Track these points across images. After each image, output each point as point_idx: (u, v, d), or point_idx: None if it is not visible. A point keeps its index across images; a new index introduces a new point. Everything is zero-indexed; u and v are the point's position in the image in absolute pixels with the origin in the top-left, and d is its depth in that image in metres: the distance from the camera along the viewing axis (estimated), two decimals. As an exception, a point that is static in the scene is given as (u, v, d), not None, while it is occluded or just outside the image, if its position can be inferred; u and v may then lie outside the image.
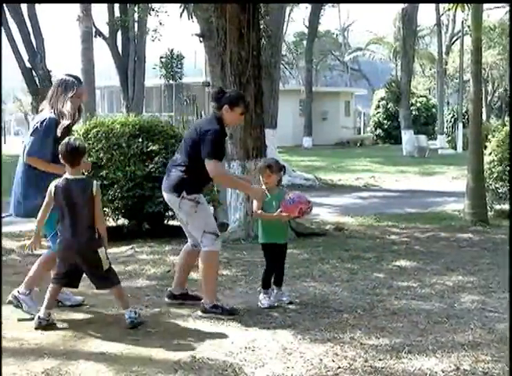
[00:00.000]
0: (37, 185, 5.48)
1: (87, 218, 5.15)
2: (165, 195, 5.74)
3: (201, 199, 5.64)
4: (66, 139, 5.21)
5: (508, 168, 10.91)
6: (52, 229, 5.52)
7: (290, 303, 5.93)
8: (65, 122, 5.51)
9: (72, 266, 5.25)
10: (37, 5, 28.05)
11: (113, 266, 5.45)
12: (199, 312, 5.64)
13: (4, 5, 27.07)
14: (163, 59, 35.68)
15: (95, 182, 5.23)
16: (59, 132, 5.46)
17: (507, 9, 23.89)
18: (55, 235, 5.48)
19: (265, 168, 5.90)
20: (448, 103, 47.68)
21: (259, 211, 5.85)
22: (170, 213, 9.44)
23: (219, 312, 5.57)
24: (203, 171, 5.51)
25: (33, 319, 5.33)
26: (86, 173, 5.85)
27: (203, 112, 18.62)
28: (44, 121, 5.52)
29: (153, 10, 21.97)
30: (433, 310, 5.71)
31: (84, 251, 5.19)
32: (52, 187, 5.17)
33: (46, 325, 5.25)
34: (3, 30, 28.12)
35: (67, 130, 5.58)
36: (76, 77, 5.74)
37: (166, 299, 6.00)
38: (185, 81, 35.96)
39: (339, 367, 4.42)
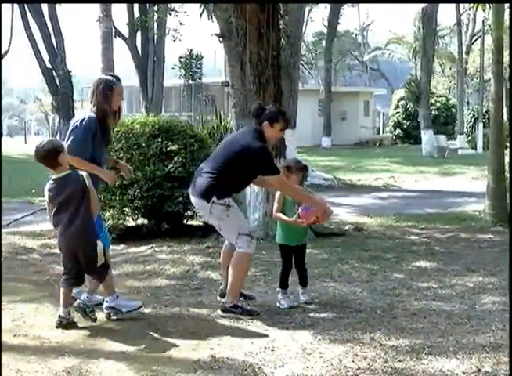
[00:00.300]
0: None
1: (84, 210, 5.18)
2: (194, 199, 5.78)
3: (231, 202, 5.66)
4: (36, 145, 5.22)
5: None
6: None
7: (309, 303, 5.92)
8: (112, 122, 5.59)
9: (75, 262, 5.28)
10: (57, 6, 28.24)
11: (132, 265, 5.48)
12: (219, 312, 5.65)
13: (25, 5, 27.30)
14: (182, 60, 35.76)
15: (82, 173, 5.23)
16: (98, 133, 5.47)
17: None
18: (98, 226, 5.52)
19: (283, 169, 5.94)
20: (468, 102, 47.37)
21: (278, 214, 5.88)
22: (189, 213, 9.48)
23: (239, 313, 5.57)
24: (235, 181, 5.63)
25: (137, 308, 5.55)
26: (125, 176, 5.88)
27: (222, 112, 18.63)
28: (83, 119, 5.48)
29: (173, 10, 22.02)
30: (453, 311, 5.67)
31: (84, 243, 5.23)
32: (46, 192, 5.27)
33: (67, 324, 5.28)
34: (24, 31, 28.35)
35: (107, 130, 5.59)
36: (114, 76, 5.70)
37: (218, 298, 5.99)
38: (204, 81, 36.02)
39: (359, 368, 4.41)
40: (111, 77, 5.64)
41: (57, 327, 5.27)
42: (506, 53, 14.38)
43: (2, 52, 23.04)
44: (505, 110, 22.30)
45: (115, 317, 5.49)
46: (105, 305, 5.55)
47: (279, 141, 9.12)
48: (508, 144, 10.91)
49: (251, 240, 5.65)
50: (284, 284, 5.98)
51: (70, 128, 5.54)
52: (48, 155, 5.14)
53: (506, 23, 12.31)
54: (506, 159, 11.06)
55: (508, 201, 10.72)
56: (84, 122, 5.47)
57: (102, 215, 5.76)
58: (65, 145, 5.41)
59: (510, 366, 4.34)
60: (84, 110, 5.77)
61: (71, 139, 5.48)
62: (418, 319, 5.46)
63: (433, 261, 7.80)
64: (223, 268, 6.02)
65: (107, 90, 5.53)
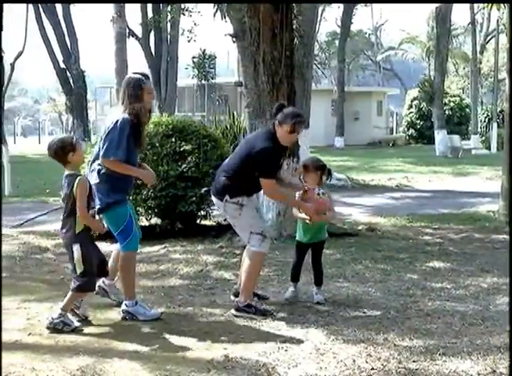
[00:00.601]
0: (112, 184, 5.47)
1: (67, 211, 5.29)
2: (212, 198, 5.93)
3: (245, 201, 5.67)
4: (49, 142, 5.37)
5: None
6: (116, 227, 5.56)
7: (318, 303, 5.92)
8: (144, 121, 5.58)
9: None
10: (71, 7, 28.37)
11: (145, 265, 5.47)
12: (232, 311, 5.66)
13: (39, 6, 27.45)
14: (195, 60, 35.81)
15: (79, 177, 5.27)
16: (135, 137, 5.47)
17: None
18: (120, 233, 5.55)
19: (301, 168, 6.08)
20: (482, 102, 47.14)
21: (294, 210, 6.02)
22: (202, 213, 9.49)
23: (252, 312, 5.58)
24: (250, 181, 5.62)
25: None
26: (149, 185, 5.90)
27: (235, 112, 18.65)
28: (117, 121, 5.42)
29: (187, 11, 22.05)
30: (468, 312, 5.65)
31: (65, 243, 5.40)
32: None
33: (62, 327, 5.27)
34: (38, 31, 28.48)
35: (140, 129, 5.57)
36: (143, 74, 5.66)
37: (232, 297, 6.01)
38: (217, 81, 36.06)
39: (372, 368, 4.41)
40: (140, 76, 5.58)
41: (47, 327, 5.31)
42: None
43: (17, 53, 23.23)
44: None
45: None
46: (123, 307, 5.56)
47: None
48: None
49: (263, 240, 5.65)
50: (293, 277, 6.14)
51: (106, 131, 5.46)
52: (58, 152, 5.27)
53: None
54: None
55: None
56: (118, 124, 5.40)
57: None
58: (101, 148, 5.43)
59: (510, 366, 4.33)
60: (114, 111, 5.69)
61: (107, 142, 5.41)
62: (432, 319, 5.44)
63: (447, 261, 7.77)
64: (241, 268, 6.05)
65: (138, 89, 5.48)
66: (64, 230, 5.33)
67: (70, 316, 5.40)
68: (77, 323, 5.36)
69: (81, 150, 5.40)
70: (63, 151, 5.26)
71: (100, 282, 5.82)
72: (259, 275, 6.05)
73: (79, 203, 5.22)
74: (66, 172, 5.34)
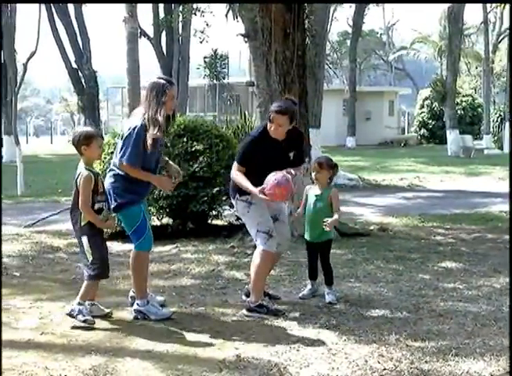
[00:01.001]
0: (126, 185, 5.50)
1: (72, 204, 5.49)
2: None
3: (254, 199, 5.68)
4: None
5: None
6: (129, 226, 5.61)
7: (330, 303, 5.92)
8: (152, 133, 5.37)
9: None
10: (83, 7, 28.46)
11: (157, 265, 5.50)
12: (244, 311, 5.66)
13: (52, 6, 27.54)
14: (207, 60, 35.86)
15: (84, 172, 5.36)
16: (148, 145, 5.37)
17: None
18: (134, 232, 5.58)
19: (315, 165, 6.09)
20: (494, 102, 46.90)
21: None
22: (214, 212, 9.50)
23: (264, 312, 5.58)
24: (255, 177, 5.60)
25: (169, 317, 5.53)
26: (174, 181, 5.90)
27: (246, 112, 18.64)
28: (135, 127, 5.42)
29: (199, 11, 22.05)
30: (480, 313, 5.62)
31: (75, 235, 5.59)
32: None
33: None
34: (50, 31, 28.57)
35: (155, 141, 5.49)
36: (167, 80, 5.60)
37: (243, 297, 6.01)
38: (228, 81, 36.09)
39: (384, 369, 4.39)
40: (164, 81, 5.52)
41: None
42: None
43: (29, 54, 23.34)
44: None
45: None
46: (134, 306, 5.58)
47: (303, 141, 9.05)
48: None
49: (269, 238, 5.65)
50: (309, 275, 6.26)
51: (124, 135, 5.48)
52: (74, 141, 5.49)
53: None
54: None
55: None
56: (134, 131, 5.40)
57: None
58: (118, 153, 5.48)
59: (511, 366, 4.31)
60: (136, 114, 5.67)
61: (124, 147, 5.43)
62: (444, 320, 5.42)
63: (459, 262, 7.74)
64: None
65: (161, 95, 5.42)
66: (73, 223, 5.50)
67: (91, 308, 5.52)
68: (90, 317, 5.43)
69: (95, 146, 5.45)
70: (78, 142, 5.43)
71: (131, 293, 5.87)
72: (268, 274, 6.05)
73: (81, 197, 5.35)
74: (79, 165, 5.47)
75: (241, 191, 5.74)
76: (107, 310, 5.66)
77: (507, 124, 31.11)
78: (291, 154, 5.84)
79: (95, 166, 5.84)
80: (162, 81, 5.52)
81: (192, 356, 4.69)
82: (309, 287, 6.24)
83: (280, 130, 5.71)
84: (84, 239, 5.41)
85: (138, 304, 5.57)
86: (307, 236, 6.18)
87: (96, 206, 5.41)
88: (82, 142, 5.39)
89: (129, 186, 5.49)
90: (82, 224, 5.42)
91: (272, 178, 5.48)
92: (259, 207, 5.72)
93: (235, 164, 5.82)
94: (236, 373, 4.37)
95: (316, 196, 6.07)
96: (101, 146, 5.55)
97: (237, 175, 5.77)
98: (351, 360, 4.55)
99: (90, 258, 5.42)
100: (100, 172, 5.77)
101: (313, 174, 6.14)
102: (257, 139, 5.76)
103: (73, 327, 5.29)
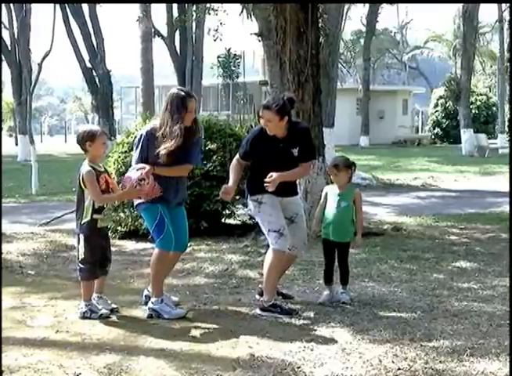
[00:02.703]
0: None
1: (76, 201, 5.58)
2: None
3: (264, 199, 5.69)
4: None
5: None
6: (149, 224, 5.68)
7: (344, 303, 5.90)
8: (168, 146, 5.42)
9: None
10: (98, 7, 28.55)
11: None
12: (257, 311, 5.66)
13: (66, 6, 27.66)
14: (220, 59, 35.88)
15: (85, 169, 5.43)
16: (161, 156, 5.43)
17: None
18: (154, 231, 5.63)
19: (331, 168, 6.04)
20: (509, 101, 46.61)
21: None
22: (227, 211, 9.51)
23: (277, 312, 5.58)
24: (262, 172, 5.60)
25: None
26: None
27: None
28: (140, 135, 5.62)
29: (213, 10, 22.08)
30: (495, 313, 5.59)
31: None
32: None
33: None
34: (65, 31, 28.68)
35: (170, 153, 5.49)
36: (187, 92, 5.59)
37: (257, 296, 5.99)
38: (241, 80, 36.09)
39: (399, 369, 4.38)
40: (184, 94, 5.52)
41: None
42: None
43: (44, 53, 23.46)
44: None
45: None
46: (149, 305, 5.61)
47: (318, 139, 9.06)
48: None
49: (280, 237, 5.64)
50: (325, 279, 6.09)
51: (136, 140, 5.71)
52: (79, 138, 5.57)
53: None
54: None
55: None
56: (139, 138, 5.63)
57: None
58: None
59: (511, 366, 4.29)
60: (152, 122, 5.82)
61: (134, 151, 5.71)
62: (459, 320, 5.40)
63: (473, 261, 7.70)
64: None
65: (181, 108, 5.45)
66: (76, 218, 5.60)
67: (98, 302, 5.63)
68: (104, 311, 5.55)
69: (99, 144, 5.52)
70: (82, 138, 5.51)
71: (145, 291, 5.93)
72: (281, 274, 6.04)
73: (90, 192, 5.42)
74: (84, 163, 5.53)
75: (252, 191, 5.75)
76: (114, 305, 5.71)
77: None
78: (295, 150, 5.76)
79: (108, 165, 5.89)
80: (182, 94, 5.52)
81: (206, 354, 4.69)
82: (327, 292, 6.04)
83: (270, 125, 5.66)
84: (81, 237, 5.52)
85: (152, 302, 5.59)
86: (328, 236, 6.04)
87: (97, 204, 5.48)
88: (86, 138, 5.47)
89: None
90: (82, 222, 5.51)
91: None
92: (269, 207, 5.72)
93: (236, 156, 5.92)
94: (250, 372, 4.37)
95: (340, 195, 5.97)
96: (105, 143, 5.60)
97: (232, 167, 5.86)
98: (365, 360, 4.53)
99: (81, 257, 5.53)
100: (105, 170, 5.76)
101: (332, 177, 6.10)
102: (255, 135, 5.80)
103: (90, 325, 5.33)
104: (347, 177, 6.00)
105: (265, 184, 5.53)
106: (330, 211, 6.01)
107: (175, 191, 5.68)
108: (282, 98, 5.80)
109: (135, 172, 5.48)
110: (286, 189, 5.76)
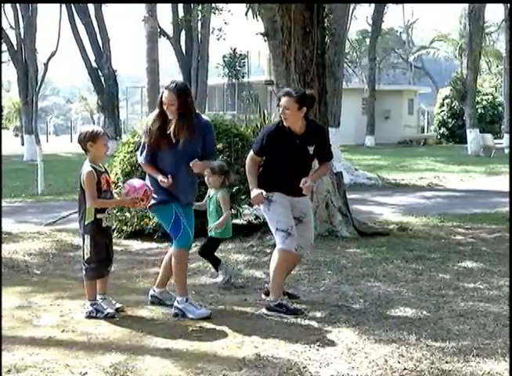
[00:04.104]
0: (154, 185, 5.65)
1: (78, 201, 5.66)
2: None
3: (275, 197, 5.71)
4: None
5: None
6: (165, 224, 5.70)
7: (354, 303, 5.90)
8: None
9: None
10: (103, 7, 28.59)
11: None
12: (263, 310, 5.66)
13: (72, 5, 27.71)
14: (226, 58, 35.88)
15: (86, 169, 5.49)
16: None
17: None
18: (170, 230, 5.64)
19: (207, 169, 6.31)
20: (508, 100, 46.48)
21: None
22: (233, 211, 9.48)
23: (283, 311, 5.57)
24: (275, 169, 5.66)
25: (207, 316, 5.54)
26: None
27: (265, 111, 18.65)
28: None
29: (218, 9, 22.09)
30: (501, 313, 5.58)
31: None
32: None
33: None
34: (71, 31, 28.72)
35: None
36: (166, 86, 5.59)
37: (263, 296, 6.03)
38: (247, 79, 36.09)
39: (405, 369, 4.37)
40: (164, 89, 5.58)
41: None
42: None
43: (50, 53, 23.46)
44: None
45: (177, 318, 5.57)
46: (175, 303, 5.63)
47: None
48: None
49: (287, 237, 5.64)
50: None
51: None
52: (81, 137, 5.61)
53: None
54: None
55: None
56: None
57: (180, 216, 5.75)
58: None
59: (511, 366, 4.28)
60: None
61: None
62: (465, 320, 5.39)
63: (479, 261, 7.68)
64: None
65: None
66: (79, 219, 5.65)
67: (102, 303, 5.63)
68: (109, 310, 5.57)
69: (101, 145, 5.55)
70: (84, 137, 5.54)
71: (151, 291, 5.99)
72: (288, 273, 6.04)
73: (87, 193, 5.47)
74: (85, 162, 5.58)
75: (263, 188, 5.72)
76: (118, 305, 5.73)
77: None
78: (311, 148, 5.77)
79: (114, 165, 5.91)
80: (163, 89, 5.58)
81: (212, 354, 4.70)
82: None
83: (288, 113, 5.63)
84: (87, 237, 5.54)
85: (178, 301, 5.61)
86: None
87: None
88: (88, 138, 5.51)
89: (156, 185, 5.56)
90: (86, 223, 5.53)
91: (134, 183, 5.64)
92: (278, 206, 5.72)
93: (250, 153, 5.87)
94: (256, 371, 4.37)
95: (209, 197, 6.69)
96: (106, 145, 5.60)
97: (248, 169, 5.87)
98: (371, 360, 4.53)
99: (86, 257, 5.56)
100: (105, 170, 5.77)
101: (205, 177, 6.53)
102: (272, 130, 5.79)
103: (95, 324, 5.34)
104: (220, 182, 6.52)
105: (302, 188, 5.60)
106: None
107: (189, 191, 5.70)
108: (311, 96, 5.84)
109: (139, 184, 5.56)
110: (298, 189, 5.72)
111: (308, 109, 5.76)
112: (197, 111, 5.71)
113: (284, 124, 5.71)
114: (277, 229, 5.69)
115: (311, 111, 6.01)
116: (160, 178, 5.51)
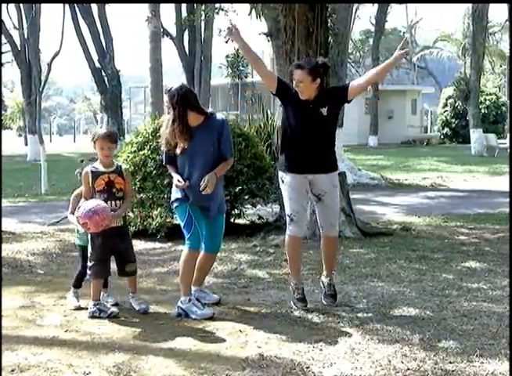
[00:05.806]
0: (172, 184, 5.77)
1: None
2: None
3: (286, 179, 5.71)
4: None
5: None
6: (180, 221, 5.72)
7: (357, 302, 5.90)
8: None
9: None
10: (106, 7, 28.61)
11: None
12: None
13: (76, 5, 27.73)
14: (229, 58, 35.87)
15: (84, 169, 5.70)
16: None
17: None
18: (183, 228, 5.66)
19: None
20: (509, 100, 46.44)
21: None
22: (236, 211, 9.50)
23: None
24: (290, 142, 5.70)
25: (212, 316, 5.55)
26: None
27: (268, 111, 18.64)
28: None
29: (222, 10, 22.10)
30: (505, 313, 5.56)
31: None
32: None
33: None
34: (74, 31, 28.75)
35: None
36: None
37: (322, 278, 6.09)
38: (250, 79, 36.06)
39: (408, 369, 4.37)
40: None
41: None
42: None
43: (53, 53, 23.47)
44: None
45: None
46: (178, 303, 5.63)
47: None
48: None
49: (290, 223, 5.69)
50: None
51: None
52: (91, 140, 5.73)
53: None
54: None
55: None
56: None
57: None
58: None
59: (511, 366, 4.28)
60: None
61: None
62: (468, 320, 5.38)
63: (483, 261, 7.67)
64: None
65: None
66: None
67: (105, 303, 5.71)
68: (113, 309, 5.63)
69: (98, 147, 5.65)
70: (91, 138, 5.73)
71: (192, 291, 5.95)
72: (296, 259, 5.92)
73: (83, 193, 5.69)
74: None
75: (279, 165, 5.80)
76: (115, 309, 5.70)
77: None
78: (324, 110, 5.61)
79: (122, 164, 6.00)
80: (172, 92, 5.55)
81: (215, 354, 4.70)
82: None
83: (302, 86, 5.55)
84: (89, 237, 5.65)
85: (181, 301, 5.61)
86: None
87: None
88: (91, 139, 5.71)
89: (173, 184, 5.65)
90: None
91: (89, 205, 5.44)
92: (290, 188, 5.70)
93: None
94: (259, 371, 4.36)
95: None
96: (103, 148, 5.62)
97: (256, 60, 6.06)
98: (375, 360, 4.53)
99: (89, 255, 5.65)
100: (116, 170, 5.77)
101: None
102: (290, 87, 5.72)
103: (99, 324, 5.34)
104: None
105: (321, 163, 5.64)
106: None
107: (201, 194, 5.53)
108: (316, 61, 5.76)
109: (83, 213, 5.45)
110: (315, 165, 5.63)
111: (323, 79, 5.64)
112: (211, 110, 5.74)
113: (300, 97, 5.61)
114: (286, 213, 5.77)
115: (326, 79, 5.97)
116: (175, 180, 5.58)
